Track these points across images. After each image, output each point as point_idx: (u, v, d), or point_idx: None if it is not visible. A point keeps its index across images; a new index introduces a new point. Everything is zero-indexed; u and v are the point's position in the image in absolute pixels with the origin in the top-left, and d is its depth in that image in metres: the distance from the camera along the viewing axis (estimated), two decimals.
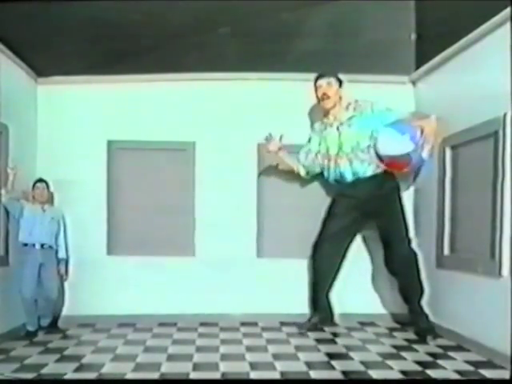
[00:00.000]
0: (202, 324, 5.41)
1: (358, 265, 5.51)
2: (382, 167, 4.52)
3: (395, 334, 5.07)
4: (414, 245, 5.05)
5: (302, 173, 5.15)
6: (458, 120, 4.69)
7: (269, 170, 5.65)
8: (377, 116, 4.44)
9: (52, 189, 5.31)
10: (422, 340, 4.70)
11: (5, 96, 4.73)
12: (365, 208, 4.66)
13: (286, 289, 5.49)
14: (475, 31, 4.34)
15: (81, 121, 5.59)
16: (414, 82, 5.70)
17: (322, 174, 5.18)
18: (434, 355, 4.27)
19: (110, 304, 5.47)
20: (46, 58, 5.07)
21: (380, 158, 4.40)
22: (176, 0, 3.90)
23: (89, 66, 5.24)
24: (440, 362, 4.09)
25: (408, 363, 4.06)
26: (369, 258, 5.58)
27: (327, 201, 5.37)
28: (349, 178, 4.63)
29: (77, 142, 5.56)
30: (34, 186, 5.11)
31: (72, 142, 5.56)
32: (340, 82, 4.79)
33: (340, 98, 4.77)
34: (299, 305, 5.47)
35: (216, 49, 4.88)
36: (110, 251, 5.61)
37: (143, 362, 4.11)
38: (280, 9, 4.05)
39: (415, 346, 4.57)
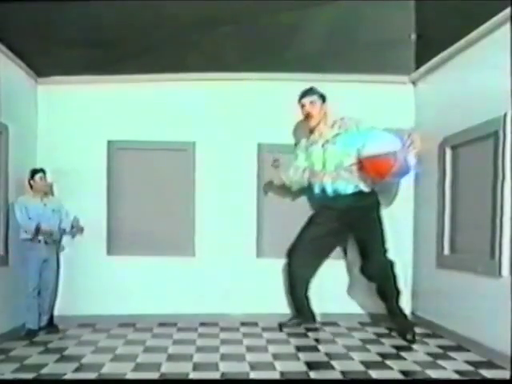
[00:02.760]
0: (202, 324, 5.41)
1: (358, 266, 5.55)
2: (363, 185, 4.55)
3: (395, 334, 5.07)
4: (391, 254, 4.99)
5: (294, 187, 5.24)
6: (458, 120, 4.69)
7: (269, 169, 5.65)
8: (362, 134, 4.41)
9: (51, 179, 5.31)
10: (401, 337, 4.74)
11: (5, 96, 4.73)
12: (345, 219, 4.70)
13: (285, 289, 5.49)
14: (475, 31, 4.34)
15: (81, 121, 5.59)
16: (414, 82, 5.69)
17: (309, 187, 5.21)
18: (434, 355, 4.28)
19: (110, 304, 5.48)
20: (46, 58, 5.07)
21: (365, 159, 4.33)
22: (176, 0, 3.89)
23: (89, 66, 5.24)
24: (440, 361, 4.09)
25: (408, 363, 4.06)
26: None
27: None
28: (330, 194, 4.70)
29: (77, 141, 5.56)
30: (32, 176, 5.07)
31: (72, 141, 5.56)
32: (323, 99, 4.76)
33: (325, 113, 4.75)
34: None
35: (216, 49, 4.88)
36: (109, 251, 5.61)
37: (143, 361, 4.11)
38: (280, 9, 4.05)
39: (415, 346, 4.57)
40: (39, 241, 4.99)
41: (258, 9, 4.04)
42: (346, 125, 4.58)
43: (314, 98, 4.64)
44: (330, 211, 4.72)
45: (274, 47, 4.83)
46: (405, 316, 4.94)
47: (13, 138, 4.92)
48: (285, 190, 5.45)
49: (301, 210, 5.55)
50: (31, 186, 5.07)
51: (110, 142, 5.63)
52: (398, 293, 4.86)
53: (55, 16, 4.09)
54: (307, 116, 4.65)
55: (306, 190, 5.27)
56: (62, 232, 5.28)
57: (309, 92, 4.67)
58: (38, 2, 3.86)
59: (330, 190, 4.55)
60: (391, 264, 4.75)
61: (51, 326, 5.19)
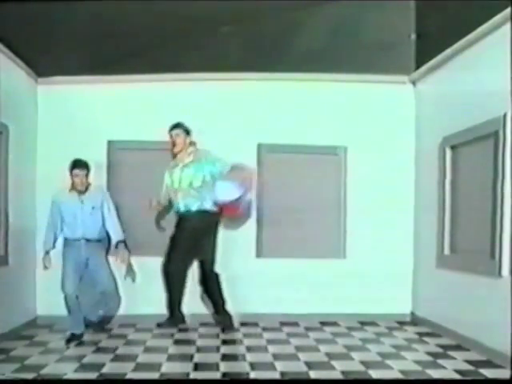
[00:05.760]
0: (202, 324, 5.41)
1: (358, 266, 5.57)
2: (209, 207, 5.23)
3: (395, 333, 5.08)
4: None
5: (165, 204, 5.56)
6: (458, 120, 4.69)
7: (268, 170, 5.66)
8: (208, 163, 5.21)
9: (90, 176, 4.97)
10: (222, 330, 5.13)
11: (5, 96, 4.72)
12: (194, 236, 5.27)
13: (285, 289, 5.50)
14: (475, 31, 4.34)
15: (81, 121, 5.58)
16: (414, 82, 5.70)
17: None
18: (434, 355, 4.28)
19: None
20: (46, 58, 5.07)
21: (217, 203, 5.16)
22: (177, 0, 3.90)
23: (89, 66, 5.25)
24: (440, 361, 4.10)
25: (408, 363, 4.07)
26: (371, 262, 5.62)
27: (324, 201, 5.62)
28: (182, 208, 5.22)
29: (77, 141, 5.54)
30: (71, 171, 4.72)
31: (72, 141, 5.53)
32: (187, 132, 5.31)
33: (188, 143, 5.34)
34: (299, 304, 5.48)
35: (216, 49, 4.88)
36: (110, 251, 5.59)
37: (143, 361, 4.11)
38: (280, 9, 4.05)
39: (415, 346, 4.58)
40: (78, 239, 4.78)
41: (258, 9, 4.05)
42: (199, 154, 5.33)
43: (179, 131, 5.30)
44: (184, 229, 5.26)
45: (275, 47, 4.84)
46: (230, 317, 5.33)
47: (13, 137, 4.92)
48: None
49: (300, 210, 5.58)
50: (72, 181, 4.74)
51: (110, 142, 5.63)
52: (222, 300, 5.37)
53: (55, 16, 4.09)
54: (173, 145, 5.33)
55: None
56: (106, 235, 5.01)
57: (176, 126, 5.31)
58: (37, 2, 3.85)
59: (181, 205, 5.22)
60: (217, 276, 5.38)
61: (100, 325, 5.09)
